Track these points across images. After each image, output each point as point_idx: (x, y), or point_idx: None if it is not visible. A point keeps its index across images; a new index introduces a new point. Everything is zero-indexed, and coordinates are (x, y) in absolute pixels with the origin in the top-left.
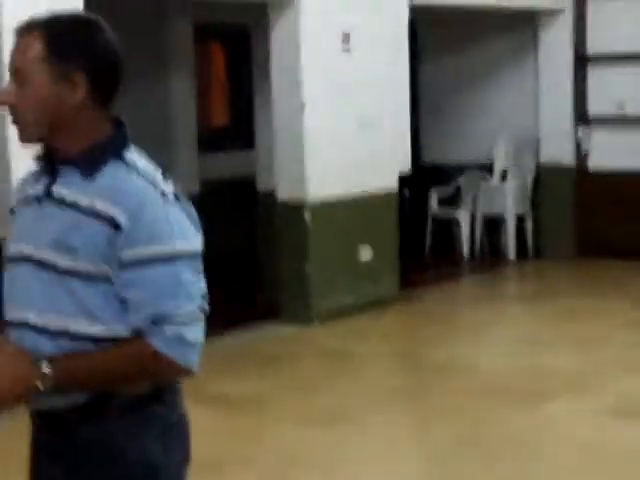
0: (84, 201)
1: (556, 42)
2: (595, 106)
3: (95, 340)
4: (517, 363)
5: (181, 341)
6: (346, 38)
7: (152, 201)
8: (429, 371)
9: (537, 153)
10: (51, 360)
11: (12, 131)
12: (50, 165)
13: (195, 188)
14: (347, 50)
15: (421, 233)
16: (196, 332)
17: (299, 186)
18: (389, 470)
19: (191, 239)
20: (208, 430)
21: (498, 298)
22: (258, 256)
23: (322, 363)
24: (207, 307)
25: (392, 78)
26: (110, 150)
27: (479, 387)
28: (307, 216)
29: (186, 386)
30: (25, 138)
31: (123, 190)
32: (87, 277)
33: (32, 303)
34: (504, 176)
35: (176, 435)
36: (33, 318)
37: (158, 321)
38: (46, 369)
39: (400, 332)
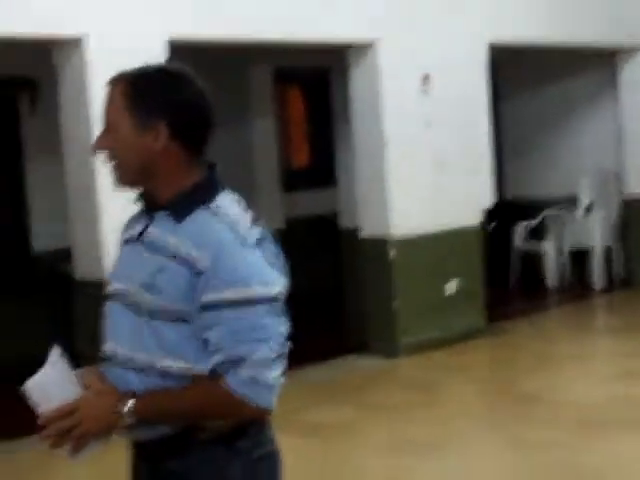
0: (171, 245)
1: (637, 77)
2: None
3: (178, 377)
4: (610, 394)
5: (256, 383)
6: (426, 78)
7: (232, 246)
8: (518, 402)
9: (622, 185)
10: (133, 396)
11: (101, 180)
12: (146, 209)
13: (280, 226)
14: (427, 90)
15: (506, 266)
16: (272, 374)
17: (382, 223)
18: None
19: (270, 283)
20: (300, 458)
21: (587, 329)
22: (344, 292)
23: (409, 394)
24: (286, 350)
25: (473, 116)
26: (199, 196)
27: (571, 418)
28: (391, 252)
29: (276, 416)
30: (118, 183)
31: (205, 235)
32: (170, 317)
33: (122, 339)
34: (589, 209)
35: (262, 470)
36: (122, 353)
37: (234, 363)
38: (128, 405)
39: (487, 364)
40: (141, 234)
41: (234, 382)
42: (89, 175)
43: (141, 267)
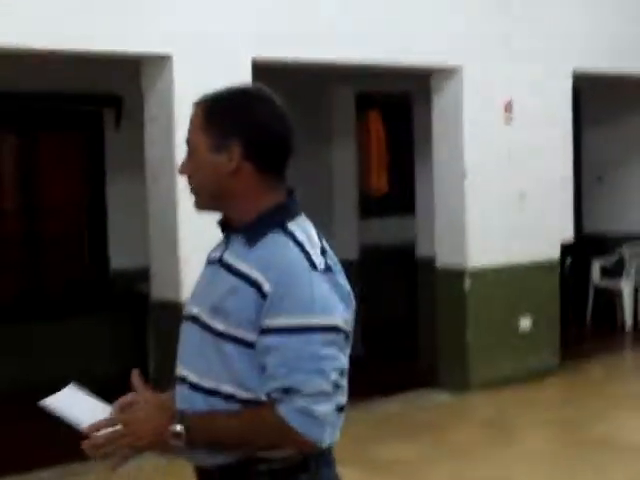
0: (243, 268)
1: None
2: None
3: (241, 401)
4: None
5: (309, 414)
6: (509, 108)
7: (300, 272)
8: (591, 443)
9: None
10: (187, 418)
11: (183, 201)
12: (224, 232)
13: (354, 254)
14: (509, 120)
15: (582, 303)
16: (326, 407)
17: (459, 253)
18: None
19: (334, 314)
20: None
21: None
22: (417, 322)
23: (479, 431)
24: (345, 384)
25: (554, 147)
26: (273, 220)
27: None
28: (467, 283)
29: (341, 449)
30: (197, 206)
31: (274, 259)
32: (236, 341)
33: (191, 362)
34: None
35: None
36: (191, 375)
37: (288, 392)
38: (180, 427)
39: (560, 403)
40: (221, 258)
41: (286, 411)
42: (171, 195)
43: (214, 289)
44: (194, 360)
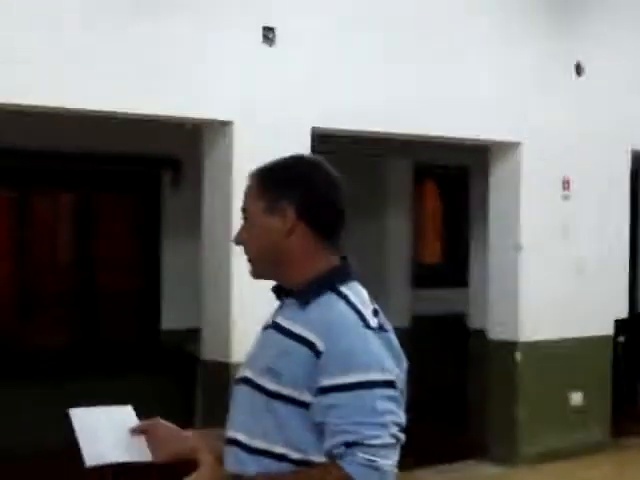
0: (297, 330)
1: None
2: None
3: (292, 462)
4: None
5: (373, 468)
6: (566, 184)
7: (353, 330)
8: None
9: None
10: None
11: (237, 265)
12: (279, 296)
13: (406, 323)
14: (567, 196)
15: (634, 382)
16: (388, 460)
17: (511, 326)
18: None
19: (388, 370)
20: None
21: None
22: (467, 393)
23: None
24: (402, 436)
25: (611, 223)
26: (327, 282)
27: None
28: (518, 357)
29: None
30: (253, 274)
31: (327, 319)
32: (289, 401)
33: (242, 423)
34: None
35: None
36: (242, 437)
37: (352, 446)
38: None
39: None
40: (274, 321)
41: (352, 467)
42: (225, 258)
43: (267, 352)
44: (245, 422)
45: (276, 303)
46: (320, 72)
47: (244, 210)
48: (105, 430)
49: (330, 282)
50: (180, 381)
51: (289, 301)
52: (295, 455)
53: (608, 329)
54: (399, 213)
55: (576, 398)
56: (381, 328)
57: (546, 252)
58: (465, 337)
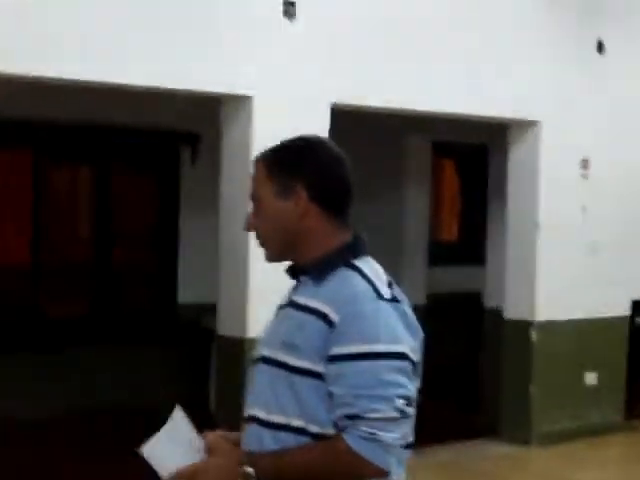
0: (312, 304)
1: None
2: None
3: (311, 435)
4: None
5: (375, 441)
6: (585, 164)
7: (365, 301)
8: None
9: None
10: (256, 459)
11: (254, 240)
12: (294, 276)
13: (422, 301)
14: (585, 176)
15: None
16: (392, 433)
17: (528, 306)
18: None
19: (400, 342)
20: None
21: None
22: (481, 372)
23: None
24: (409, 410)
25: (628, 203)
26: (340, 258)
27: None
28: (534, 336)
29: None
30: (268, 257)
31: (341, 291)
32: (308, 374)
33: (261, 399)
34: None
35: None
36: (260, 413)
37: (353, 419)
38: (250, 469)
39: (622, 462)
40: (290, 299)
41: (353, 439)
42: (242, 233)
43: (282, 328)
44: (263, 398)
45: (292, 281)
46: (340, 48)
47: (253, 196)
48: (175, 455)
49: (344, 257)
50: (195, 354)
51: (304, 279)
52: (313, 428)
53: (625, 310)
54: (417, 191)
55: (590, 378)
56: (395, 299)
57: (564, 231)
58: (480, 315)
